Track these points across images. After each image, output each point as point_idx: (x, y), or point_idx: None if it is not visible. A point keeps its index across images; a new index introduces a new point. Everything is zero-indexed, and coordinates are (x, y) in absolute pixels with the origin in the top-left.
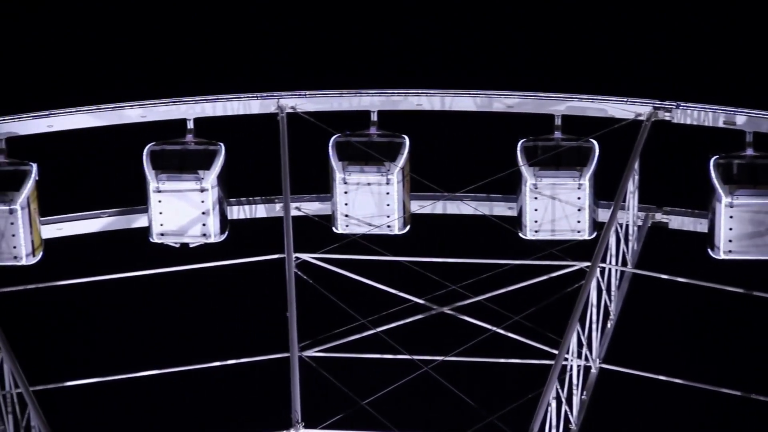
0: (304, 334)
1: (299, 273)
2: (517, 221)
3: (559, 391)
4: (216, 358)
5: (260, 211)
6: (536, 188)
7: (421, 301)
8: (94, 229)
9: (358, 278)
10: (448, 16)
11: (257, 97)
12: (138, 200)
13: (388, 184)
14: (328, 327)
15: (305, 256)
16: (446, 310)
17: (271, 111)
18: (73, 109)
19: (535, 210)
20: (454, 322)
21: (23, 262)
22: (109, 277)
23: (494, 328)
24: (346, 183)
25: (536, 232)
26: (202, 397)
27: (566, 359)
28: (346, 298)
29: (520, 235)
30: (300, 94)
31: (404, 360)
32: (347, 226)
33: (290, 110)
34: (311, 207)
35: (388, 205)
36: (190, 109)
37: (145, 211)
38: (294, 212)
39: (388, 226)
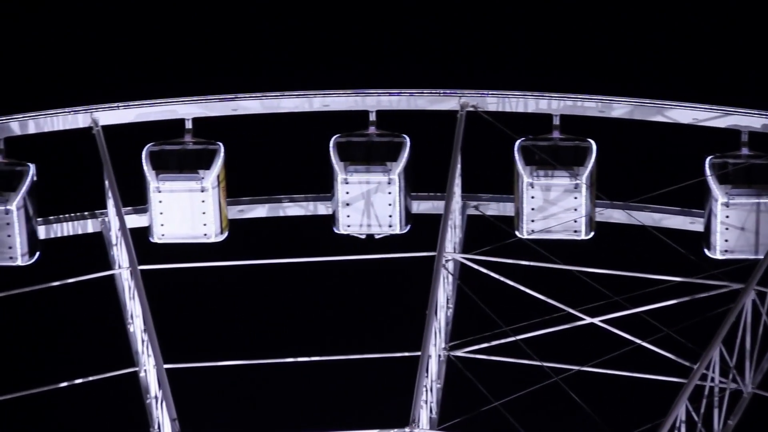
0: (456, 332)
1: (450, 271)
2: (703, 237)
3: (691, 411)
4: (355, 351)
5: (426, 206)
6: (728, 207)
7: (570, 310)
8: (275, 214)
9: (504, 280)
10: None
11: (439, 93)
12: (323, 189)
13: (576, 189)
14: (478, 328)
15: (458, 256)
16: (597, 321)
17: (452, 108)
18: (259, 94)
19: (726, 229)
20: (601, 333)
21: (212, 239)
22: (259, 262)
23: (640, 342)
24: (533, 187)
25: (726, 251)
26: (334, 388)
27: (706, 380)
28: (502, 300)
29: (708, 253)
30: (482, 94)
31: (540, 367)
32: (532, 230)
33: (470, 109)
34: (491, 208)
35: (575, 210)
36: (373, 102)
37: (327, 200)
38: (471, 212)
39: (575, 231)
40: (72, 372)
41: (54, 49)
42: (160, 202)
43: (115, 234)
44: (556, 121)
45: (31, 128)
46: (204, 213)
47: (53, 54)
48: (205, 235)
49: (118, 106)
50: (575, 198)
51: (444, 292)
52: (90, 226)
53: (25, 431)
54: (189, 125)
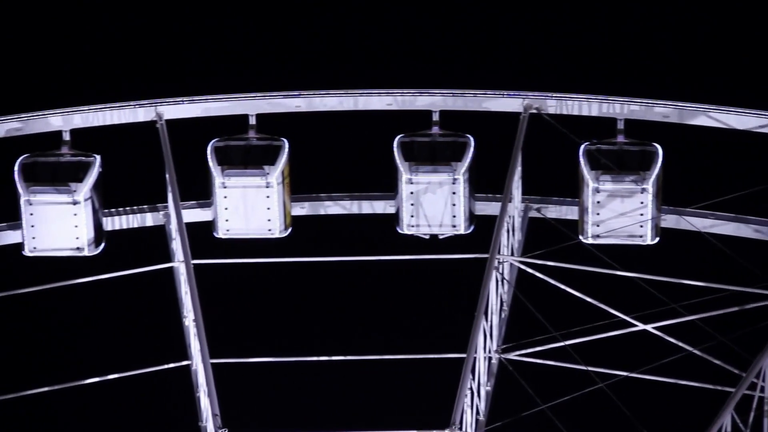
0: (514, 335)
1: (501, 274)
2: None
3: (738, 421)
4: (408, 351)
5: (481, 206)
6: None
7: (622, 316)
8: (336, 211)
9: (556, 284)
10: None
11: (503, 95)
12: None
13: (642, 194)
14: (535, 331)
15: (510, 259)
16: (649, 327)
17: (514, 110)
18: (323, 92)
19: None
20: (651, 339)
21: (276, 235)
22: (310, 259)
23: (691, 349)
24: (598, 192)
25: None
26: (376, 387)
27: (755, 390)
28: (558, 303)
29: None
30: (546, 96)
31: (589, 372)
32: (597, 235)
33: (534, 111)
34: (551, 211)
35: (641, 215)
36: (435, 102)
37: (387, 198)
38: (533, 214)
39: (640, 237)
40: (133, 362)
41: (121, 43)
42: (225, 197)
43: (174, 227)
44: (621, 126)
45: (99, 120)
46: (269, 209)
47: (120, 48)
48: (270, 230)
49: (183, 101)
50: (641, 203)
51: (498, 294)
52: (151, 219)
53: (82, 419)
54: (253, 121)
